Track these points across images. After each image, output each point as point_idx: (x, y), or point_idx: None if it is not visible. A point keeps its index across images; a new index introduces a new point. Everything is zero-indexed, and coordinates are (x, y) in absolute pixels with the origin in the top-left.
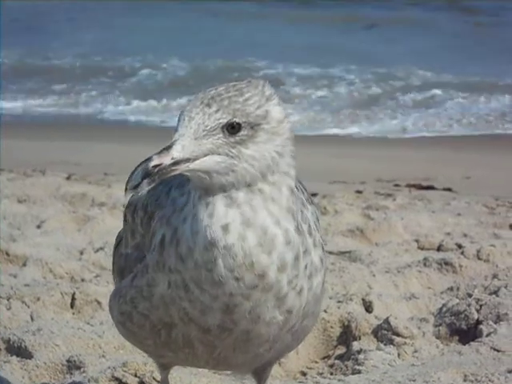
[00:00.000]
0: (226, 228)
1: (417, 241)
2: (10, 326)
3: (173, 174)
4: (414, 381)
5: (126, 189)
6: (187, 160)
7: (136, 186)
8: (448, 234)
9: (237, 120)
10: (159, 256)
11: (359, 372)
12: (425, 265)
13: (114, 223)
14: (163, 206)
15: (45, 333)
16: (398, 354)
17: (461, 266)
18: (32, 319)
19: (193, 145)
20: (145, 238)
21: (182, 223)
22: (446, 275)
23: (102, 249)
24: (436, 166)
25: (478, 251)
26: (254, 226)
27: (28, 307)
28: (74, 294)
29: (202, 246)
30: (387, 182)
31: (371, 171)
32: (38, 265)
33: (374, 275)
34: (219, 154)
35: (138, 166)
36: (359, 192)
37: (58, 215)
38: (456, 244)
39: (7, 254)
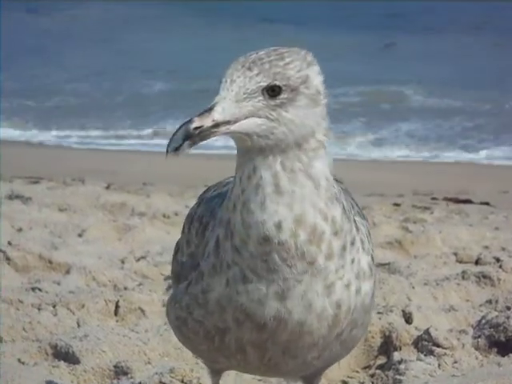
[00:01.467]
0: (278, 226)
1: (455, 254)
2: (57, 331)
3: (213, 136)
4: None
5: (167, 150)
6: (228, 122)
7: (177, 148)
8: (486, 247)
9: (277, 83)
10: (215, 258)
11: (400, 382)
12: (463, 278)
13: (155, 233)
14: (217, 214)
15: (91, 339)
16: (439, 365)
17: (499, 280)
18: (78, 325)
19: (233, 107)
20: (199, 247)
21: (232, 212)
22: (485, 288)
23: (143, 258)
24: (473, 180)
25: None
26: (305, 225)
27: (73, 314)
28: (117, 301)
29: (255, 240)
30: (424, 195)
31: (408, 184)
32: (82, 273)
33: (413, 287)
34: (259, 117)
35: (179, 128)
36: (397, 205)
37: (98, 224)
38: (494, 257)
39: (50, 262)
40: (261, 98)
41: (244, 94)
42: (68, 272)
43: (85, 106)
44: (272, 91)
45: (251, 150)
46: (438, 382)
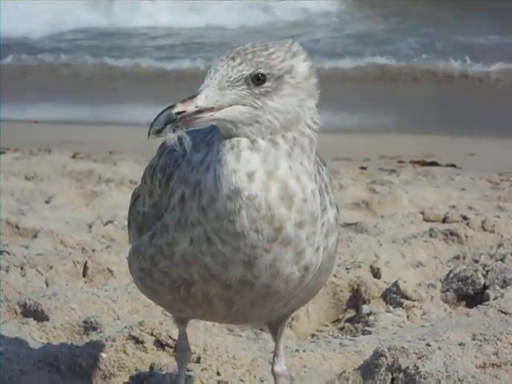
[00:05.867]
0: (251, 176)
1: (422, 213)
2: (25, 291)
3: (197, 121)
4: (424, 340)
5: (148, 133)
6: (211, 109)
7: (159, 131)
8: (453, 206)
9: (261, 71)
10: (180, 213)
11: (369, 333)
12: (431, 235)
13: (122, 198)
14: (181, 167)
15: (60, 297)
16: (407, 317)
17: (466, 237)
18: (47, 285)
19: (217, 95)
20: (162, 198)
21: (204, 174)
22: (452, 245)
23: (110, 222)
24: (439, 143)
25: (483, 222)
26: (276, 179)
27: (41, 275)
28: (85, 262)
29: (225, 195)
30: (391, 158)
31: (374, 148)
32: (49, 236)
33: (380, 245)
34: (244, 105)
35: (162, 112)
36: (363, 168)
37: (65, 191)
38: (461, 216)
39: (17, 227)
40: (244, 86)
41: (227, 82)
42: (35, 236)
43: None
44: (257, 79)
45: (236, 136)
46: (407, 333)
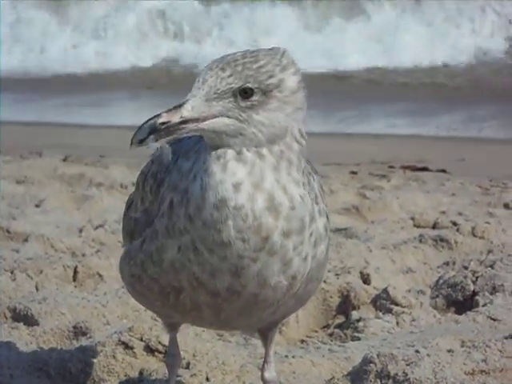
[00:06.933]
0: (237, 187)
1: (412, 219)
2: (15, 296)
3: (181, 132)
4: (413, 346)
5: (131, 142)
6: (196, 120)
7: (142, 141)
8: (443, 212)
9: (249, 85)
10: (168, 220)
11: (359, 339)
12: (420, 241)
13: (113, 202)
14: (171, 174)
15: (50, 302)
16: (397, 323)
17: (456, 243)
18: (37, 290)
19: (203, 106)
20: (153, 204)
21: (191, 182)
22: (442, 251)
23: (101, 226)
24: (430, 148)
25: (473, 228)
26: (262, 191)
27: (32, 279)
28: (76, 267)
29: (211, 204)
30: (381, 164)
31: (365, 153)
32: (40, 241)
33: (370, 250)
34: (229, 117)
35: (146, 121)
36: (354, 173)
37: (56, 195)
38: (451, 222)
39: (8, 231)
40: (231, 99)
41: (214, 93)
42: (26, 240)
43: None
44: (244, 93)
45: (221, 146)
46: (397, 339)
